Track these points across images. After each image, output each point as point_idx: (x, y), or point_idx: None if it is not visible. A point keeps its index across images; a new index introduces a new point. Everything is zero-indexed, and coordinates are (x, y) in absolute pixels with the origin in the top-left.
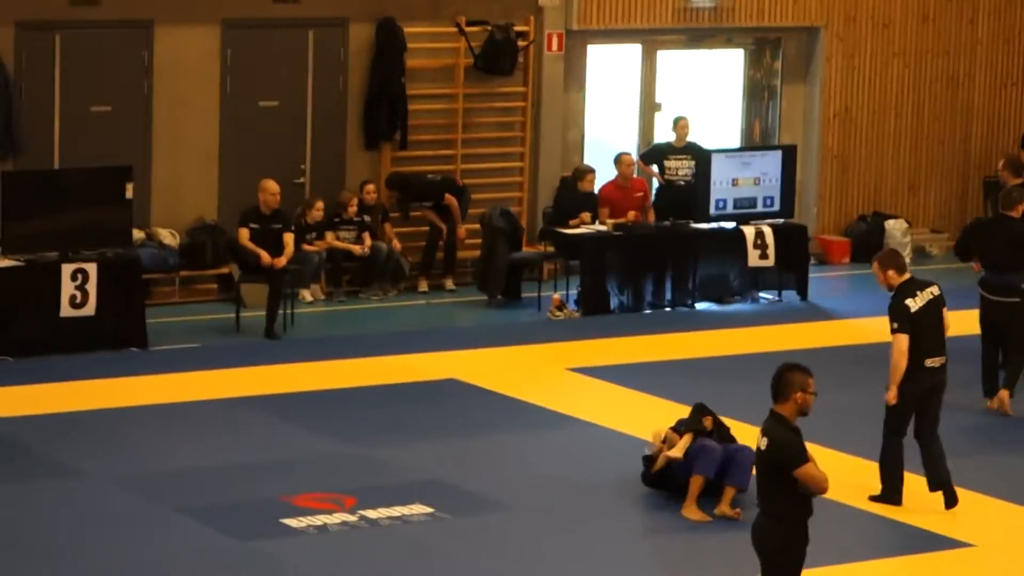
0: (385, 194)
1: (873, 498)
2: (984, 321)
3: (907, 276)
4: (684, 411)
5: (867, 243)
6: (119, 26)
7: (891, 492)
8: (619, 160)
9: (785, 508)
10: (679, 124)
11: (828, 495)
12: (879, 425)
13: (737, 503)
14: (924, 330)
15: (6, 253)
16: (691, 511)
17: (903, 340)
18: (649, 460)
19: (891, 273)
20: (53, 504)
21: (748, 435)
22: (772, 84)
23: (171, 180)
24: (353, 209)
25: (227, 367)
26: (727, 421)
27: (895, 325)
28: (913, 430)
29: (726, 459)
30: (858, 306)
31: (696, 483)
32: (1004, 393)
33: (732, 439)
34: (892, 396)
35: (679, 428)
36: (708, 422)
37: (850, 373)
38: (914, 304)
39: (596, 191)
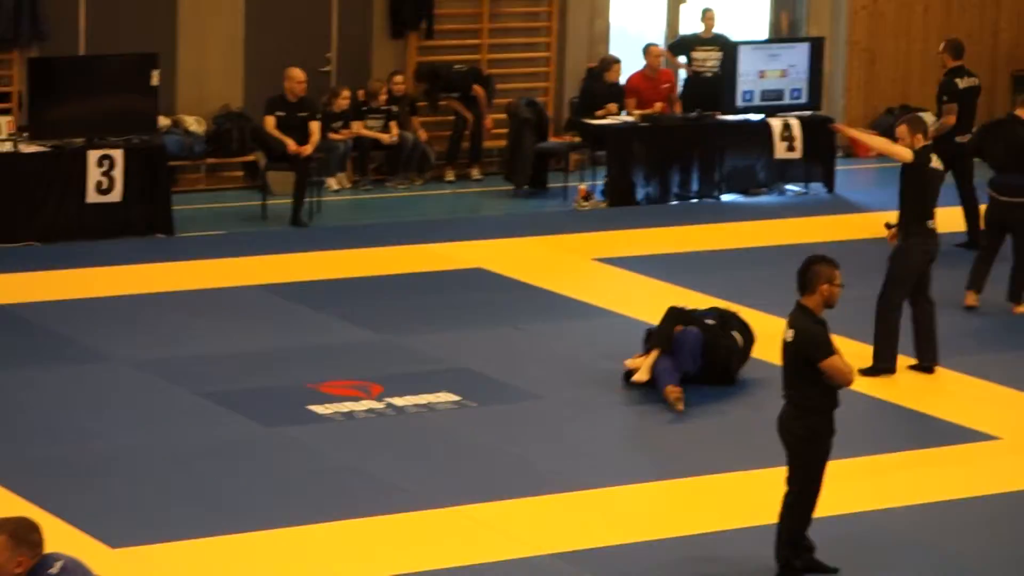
0: (412, 84)
1: (864, 372)
2: (989, 219)
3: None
4: (708, 302)
5: (894, 136)
6: None
7: (887, 361)
8: (647, 51)
9: (811, 399)
10: (706, 15)
11: (854, 387)
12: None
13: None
14: (934, 193)
15: (33, 139)
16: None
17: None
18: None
19: (919, 137)
20: (77, 388)
21: (774, 327)
22: None
23: (197, 67)
24: (384, 98)
25: (253, 254)
26: (752, 313)
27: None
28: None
29: (676, 352)
30: (884, 199)
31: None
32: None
33: (718, 327)
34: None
35: (649, 341)
36: (678, 330)
37: (876, 266)
38: (937, 165)
39: (623, 82)
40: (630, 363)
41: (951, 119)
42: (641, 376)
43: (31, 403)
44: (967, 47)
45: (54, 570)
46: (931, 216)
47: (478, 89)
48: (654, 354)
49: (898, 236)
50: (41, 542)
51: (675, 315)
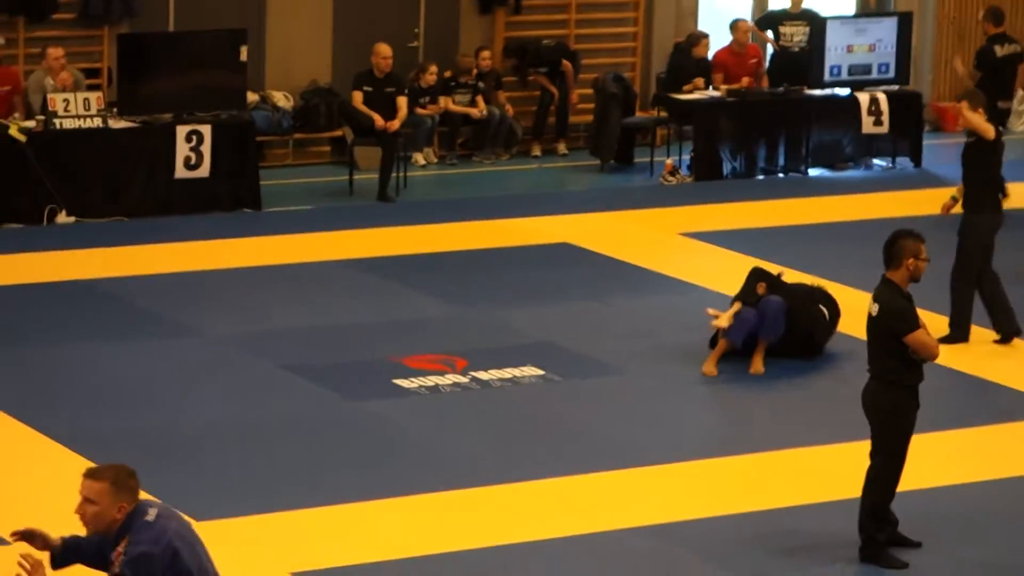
0: (499, 60)
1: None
2: None
3: None
4: (793, 276)
5: None
6: None
7: (961, 329)
8: (735, 26)
9: (896, 373)
10: None
11: (939, 361)
12: None
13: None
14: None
15: (122, 114)
16: (707, 366)
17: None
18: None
19: (981, 112)
20: (165, 363)
21: (859, 301)
22: None
23: (285, 43)
24: (474, 72)
25: (340, 229)
26: (836, 288)
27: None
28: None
29: (759, 319)
30: None
31: (720, 346)
32: None
33: (803, 296)
34: None
35: (737, 297)
36: (761, 288)
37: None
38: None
39: (710, 57)
40: (713, 311)
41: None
42: (721, 322)
43: (119, 378)
44: None
45: (149, 516)
46: (1002, 189)
47: (566, 64)
48: (736, 306)
49: (966, 208)
50: (138, 488)
51: (758, 274)
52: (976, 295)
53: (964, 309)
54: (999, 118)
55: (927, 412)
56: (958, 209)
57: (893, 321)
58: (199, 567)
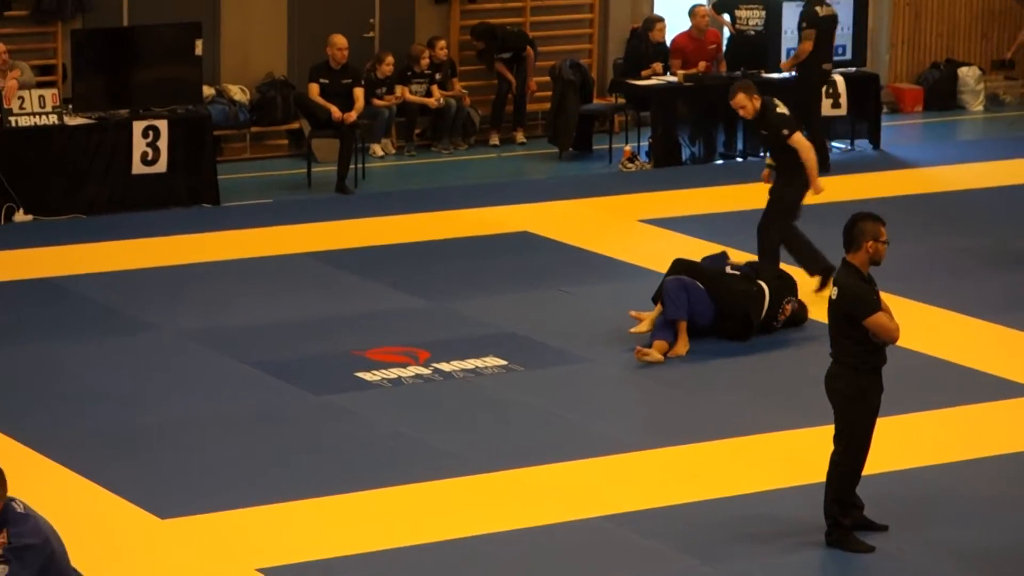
0: (455, 50)
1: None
2: None
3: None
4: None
5: (940, 91)
6: None
7: (819, 263)
8: (694, 12)
9: (858, 357)
10: None
11: (901, 343)
12: (952, 273)
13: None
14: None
15: (77, 111)
16: (651, 353)
17: (801, 135)
18: None
19: (756, 98)
20: (128, 359)
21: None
22: None
23: (240, 36)
24: (425, 62)
25: (299, 222)
26: (796, 272)
27: (786, 132)
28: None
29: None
30: (930, 154)
31: (657, 346)
32: None
33: (728, 276)
34: (820, 187)
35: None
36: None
37: (922, 221)
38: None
39: (667, 41)
40: (635, 314)
41: (808, 45)
42: (638, 327)
43: (80, 375)
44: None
45: (20, 508)
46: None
47: (529, 51)
48: (655, 310)
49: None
50: (6, 484)
51: (677, 267)
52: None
53: (807, 250)
54: (823, 79)
55: (890, 394)
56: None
57: (852, 305)
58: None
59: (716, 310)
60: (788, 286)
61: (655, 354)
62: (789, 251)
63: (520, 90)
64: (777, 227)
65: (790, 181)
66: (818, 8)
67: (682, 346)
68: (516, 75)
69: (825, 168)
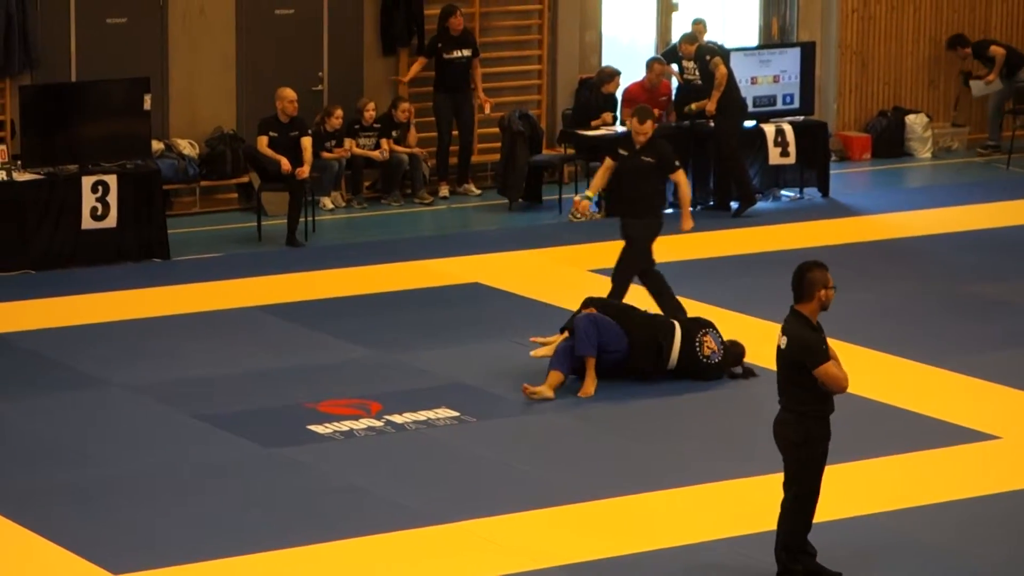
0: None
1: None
2: None
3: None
4: (706, 310)
5: (888, 139)
6: None
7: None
8: (650, 67)
9: (806, 404)
10: (696, 26)
11: (851, 390)
12: (901, 320)
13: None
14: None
15: (26, 167)
16: (541, 389)
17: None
18: None
19: (649, 123)
20: (78, 414)
21: (769, 331)
22: None
23: (189, 90)
24: (370, 115)
25: (249, 276)
26: (746, 320)
27: (677, 163)
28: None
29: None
30: (879, 202)
31: (552, 378)
32: None
33: (640, 313)
34: (692, 224)
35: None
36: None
37: (872, 268)
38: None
39: (619, 93)
40: (537, 338)
41: (723, 68)
42: (539, 352)
43: (30, 430)
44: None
45: None
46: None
47: (476, 64)
48: (559, 336)
49: (632, 215)
50: None
51: (586, 302)
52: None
53: (667, 295)
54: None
55: (840, 441)
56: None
57: (802, 353)
58: None
59: (628, 342)
60: (702, 323)
61: (545, 391)
62: (651, 293)
63: (464, 140)
64: (637, 269)
65: (650, 223)
66: (709, 43)
67: (590, 385)
68: (459, 119)
69: (750, 202)
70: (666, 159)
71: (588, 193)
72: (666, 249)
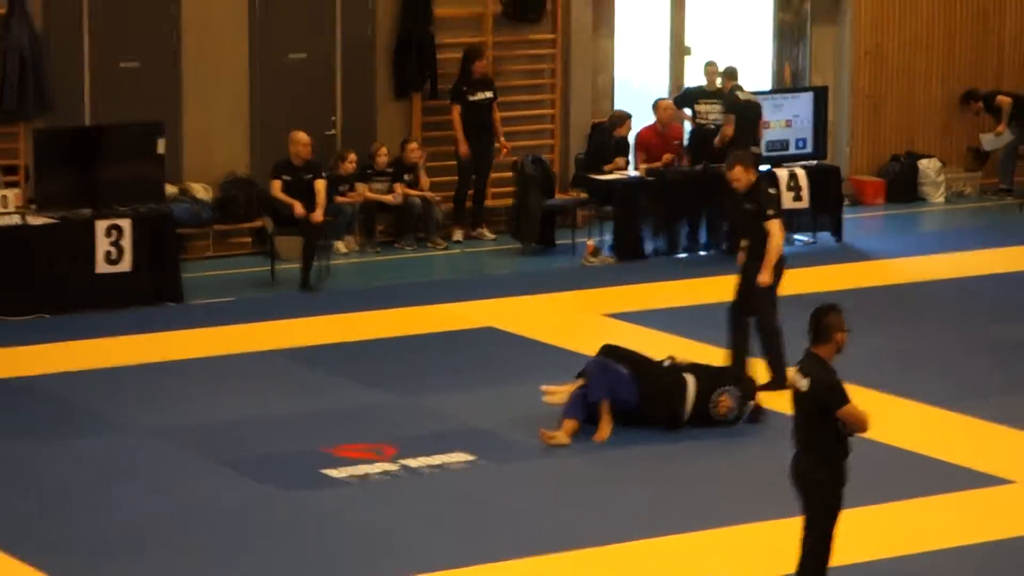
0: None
1: (763, 387)
2: None
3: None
4: (720, 356)
5: (901, 183)
6: None
7: (782, 376)
8: (657, 106)
9: (825, 447)
10: (709, 68)
11: (867, 434)
12: (914, 364)
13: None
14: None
15: (40, 210)
16: (558, 436)
17: (780, 224)
18: None
19: (751, 171)
20: (92, 460)
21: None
22: (802, 25)
23: (202, 135)
24: (383, 159)
25: (263, 320)
26: (761, 364)
27: (771, 212)
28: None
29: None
30: (893, 246)
31: (567, 426)
32: None
33: (656, 366)
34: (768, 278)
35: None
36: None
37: (885, 313)
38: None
39: (631, 137)
40: (545, 387)
41: (728, 129)
42: (552, 399)
43: (46, 476)
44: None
45: None
46: None
47: (495, 109)
48: (574, 384)
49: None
50: None
51: (604, 350)
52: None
53: (781, 356)
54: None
55: (856, 485)
56: None
57: (826, 396)
58: None
59: (639, 394)
60: (723, 379)
61: (561, 437)
62: (732, 335)
63: (480, 184)
64: (774, 316)
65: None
66: (739, 94)
67: (605, 429)
68: (479, 164)
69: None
70: (762, 206)
71: (744, 243)
72: (684, 292)
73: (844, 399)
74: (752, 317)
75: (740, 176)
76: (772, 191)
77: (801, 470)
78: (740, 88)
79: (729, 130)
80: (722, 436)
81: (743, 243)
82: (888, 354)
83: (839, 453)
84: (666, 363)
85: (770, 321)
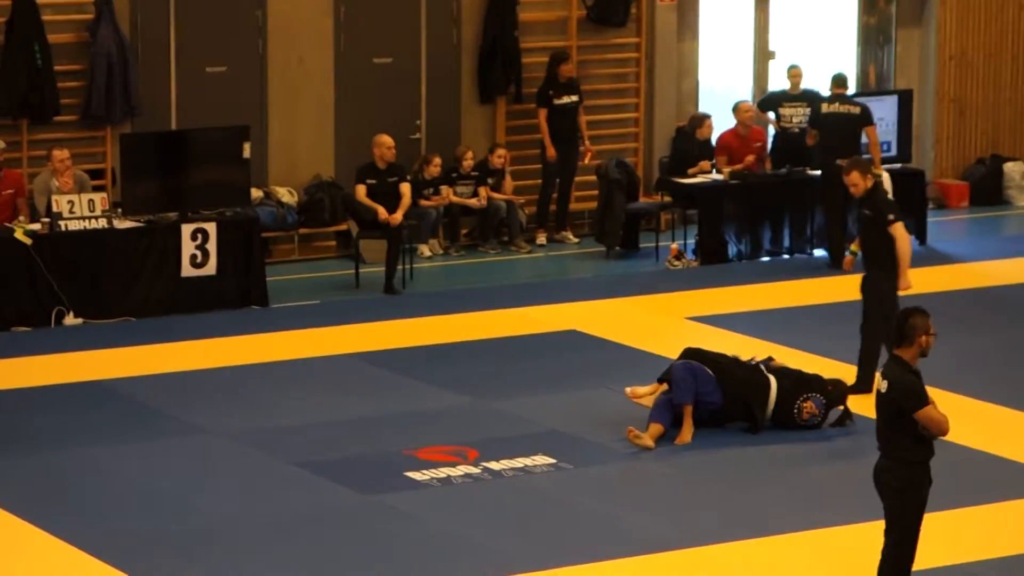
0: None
1: (851, 389)
2: None
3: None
4: (803, 359)
5: (985, 186)
6: None
7: (870, 381)
8: (737, 108)
9: (906, 450)
10: (792, 71)
11: (951, 437)
12: (1000, 368)
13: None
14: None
15: (127, 214)
16: (644, 439)
17: (903, 227)
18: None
19: (868, 177)
20: (176, 461)
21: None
22: (887, 28)
23: (288, 139)
24: (468, 163)
25: (347, 323)
26: (843, 367)
27: (892, 216)
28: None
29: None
30: (977, 250)
31: (653, 430)
32: None
33: (738, 365)
34: (909, 282)
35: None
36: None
37: (969, 316)
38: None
39: (713, 138)
40: (630, 390)
41: (809, 141)
42: (639, 401)
43: (130, 477)
44: None
45: None
46: None
47: (581, 114)
48: (658, 387)
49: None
50: None
51: (686, 353)
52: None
53: (872, 362)
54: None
55: (940, 488)
56: None
57: (903, 398)
58: None
59: (723, 395)
60: (809, 386)
61: (647, 440)
62: (864, 344)
63: (564, 188)
64: (883, 329)
65: (888, 276)
66: (824, 105)
67: (687, 433)
68: (564, 167)
69: (837, 265)
70: (881, 212)
71: (853, 248)
72: (767, 296)
73: (921, 402)
74: (865, 321)
75: (857, 181)
76: (889, 196)
77: (881, 473)
78: (843, 97)
79: (810, 141)
80: (806, 439)
81: (852, 247)
82: (972, 358)
83: (920, 456)
84: (752, 362)
85: (878, 327)
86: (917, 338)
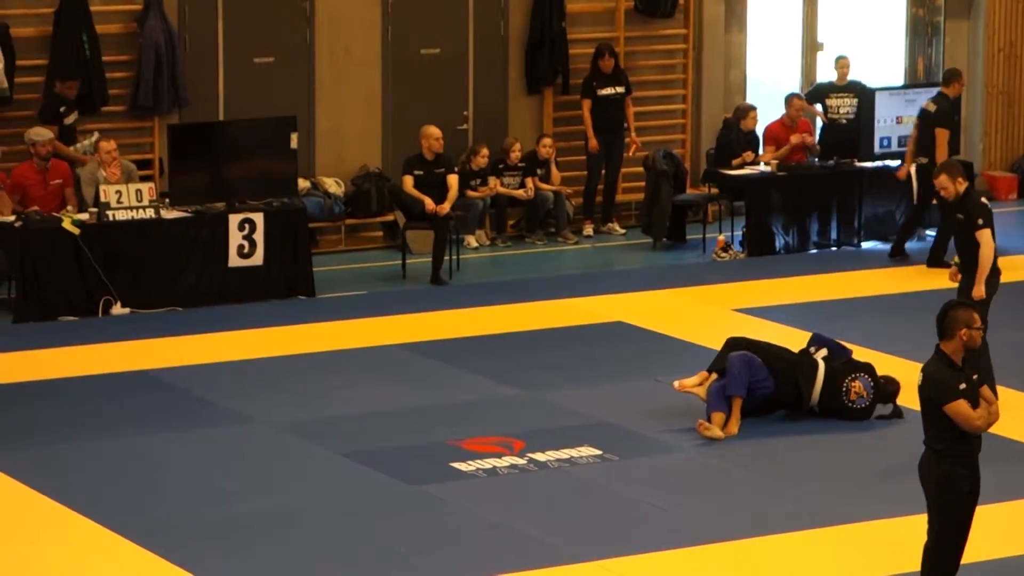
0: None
1: None
2: None
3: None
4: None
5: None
6: None
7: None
8: (790, 102)
9: (945, 443)
10: (840, 62)
11: (998, 431)
12: None
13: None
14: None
15: (174, 204)
16: (712, 431)
17: (990, 234)
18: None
19: (960, 179)
20: (225, 450)
21: (915, 373)
22: (935, 20)
23: (335, 129)
24: (516, 155)
25: (394, 314)
26: (892, 360)
27: (980, 222)
28: None
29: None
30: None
31: (715, 418)
32: None
33: (793, 352)
34: (982, 291)
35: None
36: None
37: (1018, 309)
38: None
39: (759, 129)
40: (679, 383)
41: (913, 133)
42: (695, 391)
43: (176, 466)
44: None
45: None
46: None
47: (628, 103)
48: (708, 376)
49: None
50: None
51: (730, 343)
52: None
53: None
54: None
55: (994, 482)
56: None
57: (933, 391)
58: None
59: (774, 380)
60: (856, 367)
61: (716, 430)
62: None
63: (610, 179)
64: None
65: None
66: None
67: (734, 424)
68: (609, 158)
69: (901, 255)
70: (971, 217)
71: (955, 259)
72: (814, 288)
73: (951, 396)
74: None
75: (946, 184)
76: (982, 200)
77: (923, 465)
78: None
79: (913, 134)
80: (854, 430)
81: (955, 259)
82: (1020, 350)
83: (958, 450)
84: (803, 350)
85: None
86: (958, 331)
